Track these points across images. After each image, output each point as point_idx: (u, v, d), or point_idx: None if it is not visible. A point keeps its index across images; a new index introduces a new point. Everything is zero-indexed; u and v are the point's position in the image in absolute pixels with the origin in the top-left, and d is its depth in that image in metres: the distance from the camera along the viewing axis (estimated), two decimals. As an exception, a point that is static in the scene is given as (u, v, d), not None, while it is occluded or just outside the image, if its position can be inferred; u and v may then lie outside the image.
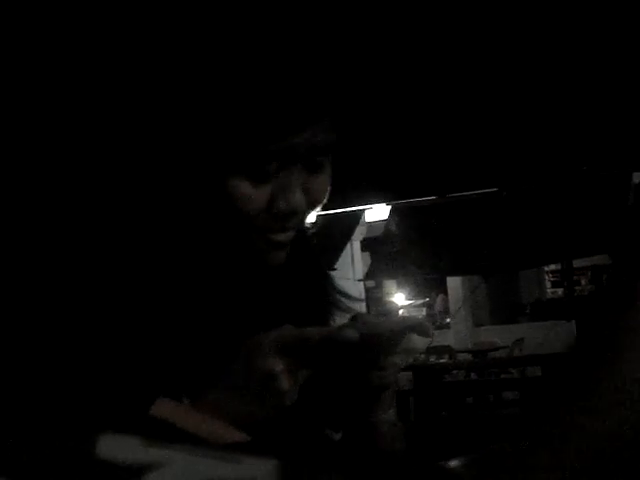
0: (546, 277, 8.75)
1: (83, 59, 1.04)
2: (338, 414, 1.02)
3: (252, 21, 0.96)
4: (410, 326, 0.95)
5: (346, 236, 8.31)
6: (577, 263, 7.65)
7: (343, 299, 1.18)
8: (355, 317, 1.03)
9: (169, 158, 0.96)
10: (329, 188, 0.98)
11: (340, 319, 1.21)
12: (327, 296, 1.14)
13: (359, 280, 8.73)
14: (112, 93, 1.00)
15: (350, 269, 8.56)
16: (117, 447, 0.47)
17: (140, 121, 0.98)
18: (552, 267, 8.32)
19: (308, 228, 1.07)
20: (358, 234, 8.83)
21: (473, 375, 6.76)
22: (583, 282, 8.11)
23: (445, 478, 0.55)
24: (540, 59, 3.65)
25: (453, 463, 0.82)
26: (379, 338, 0.94)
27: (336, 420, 1.02)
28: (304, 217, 0.97)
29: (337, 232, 7.50)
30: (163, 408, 0.85)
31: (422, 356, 7.03)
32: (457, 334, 8.20)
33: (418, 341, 0.97)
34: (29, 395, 0.83)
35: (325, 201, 0.99)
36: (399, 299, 9.46)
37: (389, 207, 7.38)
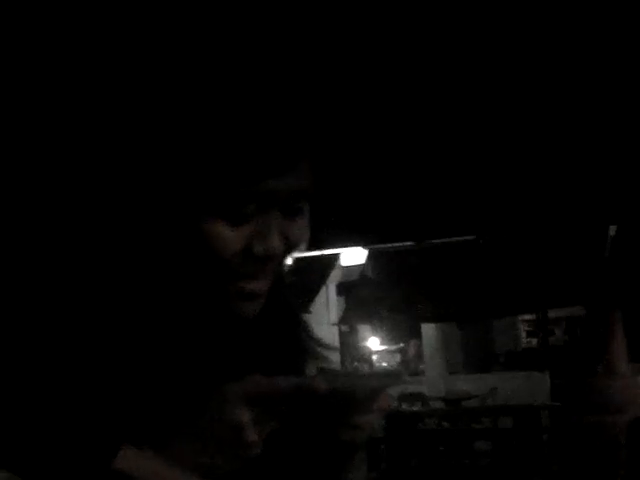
0: (521, 326, 8.75)
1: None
2: (304, 470, 0.99)
3: (230, 65, 0.95)
4: (387, 382, 0.93)
5: (322, 279, 8.28)
6: (552, 313, 7.67)
7: (317, 347, 1.15)
8: (323, 369, 1.01)
9: (146, 196, 0.94)
10: (308, 234, 0.96)
11: (313, 367, 1.18)
12: (301, 343, 1.11)
13: (333, 324, 8.68)
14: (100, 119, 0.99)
15: (325, 313, 8.51)
16: None
17: (123, 157, 0.97)
18: (527, 317, 8.33)
19: (285, 274, 1.05)
20: (334, 278, 8.80)
21: (445, 423, 6.71)
22: (557, 332, 8.11)
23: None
24: (518, 107, 3.67)
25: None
26: (353, 395, 0.91)
27: (301, 475, 0.99)
28: (281, 263, 0.95)
29: (313, 275, 7.47)
30: (126, 459, 0.83)
31: (395, 403, 6.98)
32: (430, 381, 8.16)
33: (389, 399, 0.95)
34: None
35: (302, 244, 0.96)
36: (373, 344, 9.41)
37: (366, 251, 7.37)
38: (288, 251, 0.95)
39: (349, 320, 8.64)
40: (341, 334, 8.70)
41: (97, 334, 0.91)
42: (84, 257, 0.96)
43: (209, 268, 0.91)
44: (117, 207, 0.97)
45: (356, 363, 9.05)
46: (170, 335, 0.94)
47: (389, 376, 0.94)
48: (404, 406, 7.13)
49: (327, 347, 1.15)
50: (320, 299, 8.44)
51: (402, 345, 9.31)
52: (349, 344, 9.11)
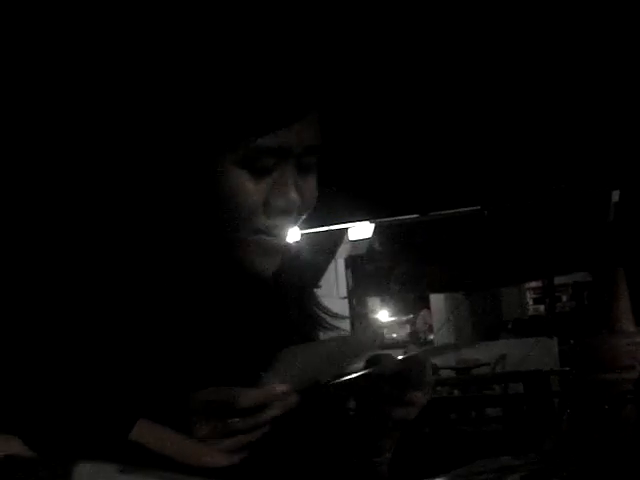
0: (528, 294, 8.80)
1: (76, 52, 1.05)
2: (340, 455, 1.02)
3: (240, 22, 0.99)
4: (429, 358, 0.98)
5: (330, 254, 8.32)
6: (558, 280, 7.70)
7: (327, 317, 1.20)
8: (377, 357, 1.04)
9: (167, 150, 0.97)
10: (317, 190, 1.01)
11: (324, 336, 1.23)
12: (310, 313, 1.15)
13: (343, 298, 8.73)
14: (106, 88, 1.01)
15: (335, 287, 8.57)
16: (94, 474, 0.47)
17: (135, 118, 0.99)
18: (533, 284, 8.36)
19: (293, 246, 1.09)
20: (342, 252, 8.85)
21: (456, 391, 6.77)
22: (564, 299, 8.17)
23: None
24: (521, 77, 3.71)
25: (438, 480, 0.86)
26: (408, 374, 0.97)
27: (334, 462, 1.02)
28: (296, 220, 1.00)
29: (321, 251, 7.52)
30: (141, 431, 0.84)
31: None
32: (440, 351, 8.22)
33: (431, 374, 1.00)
34: (6, 421, 0.82)
35: (313, 204, 1.01)
36: (383, 316, 9.48)
37: (372, 225, 7.41)
38: (302, 207, 1.00)
39: (358, 293, 8.69)
40: (351, 307, 8.76)
41: (113, 298, 0.94)
42: (102, 214, 0.99)
43: (232, 220, 0.95)
44: (138, 163, 1.00)
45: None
46: (186, 298, 0.97)
47: (435, 350, 0.98)
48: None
49: (338, 316, 1.20)
50: (329, 274, 8.50)
51: (411, 316, 9.36)
52: (359, 317, 9.18)
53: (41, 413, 0.83)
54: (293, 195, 0.97)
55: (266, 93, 0.95)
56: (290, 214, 0.99)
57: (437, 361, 8.28)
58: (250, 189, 0.96)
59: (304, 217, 1.02)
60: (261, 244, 0.98)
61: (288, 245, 1.03)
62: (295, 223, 1.02)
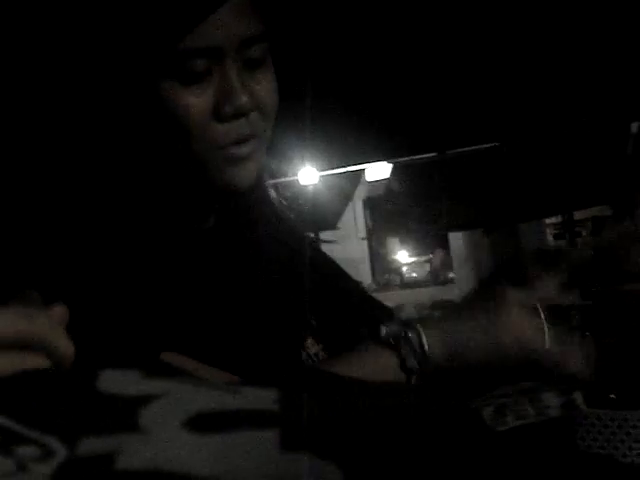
0: (547, 230, 8.79)
1: None
2: None
3: None
4: None
5: (347, 196, 8.34)
6: (578, 215, 7.68)
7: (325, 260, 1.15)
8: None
9: (97, 76, 0.90)
10: (275, 91, 0.94)
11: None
12: (304, 257, 1.11)
13: (362, 239, 8.77)
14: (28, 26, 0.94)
15: (353, 228, 8.60)
16: (117, 380, 0.46)
17: (56, 47, 0.92)
18: (553, 220, 8.35)
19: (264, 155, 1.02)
20: (360, 194, 8.86)
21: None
22: (584, 233, 8.15)
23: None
24: (538, 8, 3.67)
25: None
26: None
27: None
28: (256, 124, 0.91)
29: (338, 192, 7.53)
30: (171, 355, 0.84)
31: (425, 312, 7.08)
32: (461, 289, 8.26)
33: None
34: None
35: (274, 103, 0.94)
36: (402, 256, 9.53)
37: (390, 165, 7.40)
38: (262, 107, 0.93)
39: (377, 234, 8.73)
40: (370, 248, 8.80)
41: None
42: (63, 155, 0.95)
43: (186, 137, 0.88)
44: (74, 93, 0.94)
45: (387, 275, 9.17)
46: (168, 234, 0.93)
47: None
48: (436, 314, 7.21)
49: (332, 261, 1.15)
50: (348, 215, 8.52)
51: (430, 256, 9.40)
52: (379, 257, 9.22)
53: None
54: (240, 97, 0.87)
55: None
56: (245, 117, 0.92)
57: (457, 298, 8.31)
58: (190, 100, 0.87)
59: (273, 115, 0.95)
60: (228, 156, 0.92)
61: (261, 153, 0.96)
62: (262, 126, 0.92)
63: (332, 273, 1.13)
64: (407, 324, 0.94)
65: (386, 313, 1.14)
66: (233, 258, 0.99)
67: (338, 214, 8.07)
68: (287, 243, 1.07)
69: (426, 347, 0.91)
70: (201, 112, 0.88)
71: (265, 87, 0.92)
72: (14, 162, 0.97)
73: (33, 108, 0.98)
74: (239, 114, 0.89)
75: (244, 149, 0.91)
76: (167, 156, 0.92)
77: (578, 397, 0.79)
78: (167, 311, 0.89)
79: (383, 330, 0.92)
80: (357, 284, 1.26)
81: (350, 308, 1.10)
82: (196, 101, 0.88)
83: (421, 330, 0.92)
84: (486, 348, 0.90)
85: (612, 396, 0.78)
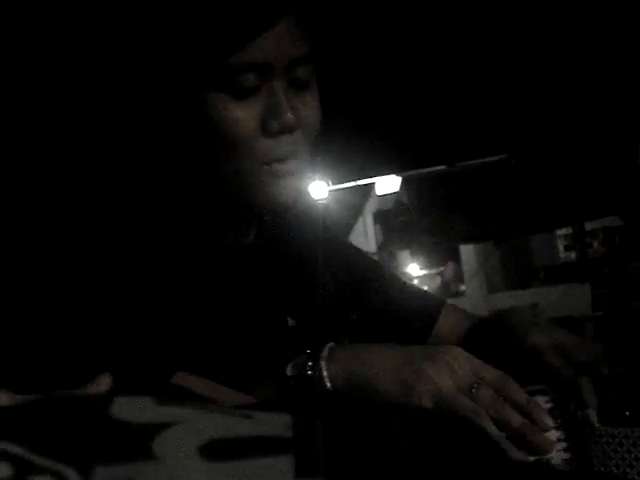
0: (558, 241, 8.76)
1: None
2: None
3: None
4: None
5: (358, 210, 8.34)
6: (588, 226, 7.66)
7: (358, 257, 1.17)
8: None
9: (145, 88, 0.92)
10: (319, 113, 0.96)
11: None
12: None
13: (373, 253, 8.76)
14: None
15: (364, 242, 8.59)
16: (130, 407, 0.46)
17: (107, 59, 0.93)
18: (564, 231, 8.33)
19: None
20: (370, 207, 8.85)
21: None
22: (595, 244, 8.12)
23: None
24: (548, 21, 3.67)
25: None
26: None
27: None
28: (300, 142, 0.94)
29: (348, 206, 7.53)
30: (181, 377, 0.85)
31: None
32: (472, 301, 8.24)
33: None
34: (47, 357, 0.84)
35: (317, 124, 0.96)
36: (413, 269, 9.51)
37: (399, 179, 7.40)
38: (305, 126, 0.95)
39: (388, 248, 8.71)
40: (381, 261, 8.79)
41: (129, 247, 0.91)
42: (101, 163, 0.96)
43: (232, 150, 0.91)
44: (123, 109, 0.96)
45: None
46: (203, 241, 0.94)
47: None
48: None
49: (364, 255, 1.16)
50: (358, 229, 8.52)
51: (441, 269, 9.38)
52: (390, 270, 9.21)
53: (79, 350, 0.84)
54: (286, 114, 0.91)
55: (226, 6, 0.89)
56: (291, 134, 0.94)
57: (469, 310, 8.28)
58: (237, 114, 0.90)
59: (315, 135, 0.96)
60: (273, 171, 0.94)
61: (304, 170, 0.98)
62: (304, 144, 0.96)
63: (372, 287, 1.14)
64: (314, 358, 0.90)
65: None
66: (271, 275, 1.00)
67: (348, 228, 8.08)
68: (326, 261, 1.08)
69: (328, 384, 0.86)
70: (248, 126, 0.91)
71: (309, 107, 0.95)
72: (67, 169, 0.98)
73: (89, 114, 0.99)
74: (285, 130, 0.92)
75: (288, 166, 0.94)
76: (212, 169, 0.94)
77: (592, 415, 0.78)
78: (200, 326, 0.90)
79: (289, 369, 0.90)
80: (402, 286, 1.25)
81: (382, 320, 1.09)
82: (244, 115, 0.91)
83: (323, 366, 0.88)
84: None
85: (627, 413, 0.78)
